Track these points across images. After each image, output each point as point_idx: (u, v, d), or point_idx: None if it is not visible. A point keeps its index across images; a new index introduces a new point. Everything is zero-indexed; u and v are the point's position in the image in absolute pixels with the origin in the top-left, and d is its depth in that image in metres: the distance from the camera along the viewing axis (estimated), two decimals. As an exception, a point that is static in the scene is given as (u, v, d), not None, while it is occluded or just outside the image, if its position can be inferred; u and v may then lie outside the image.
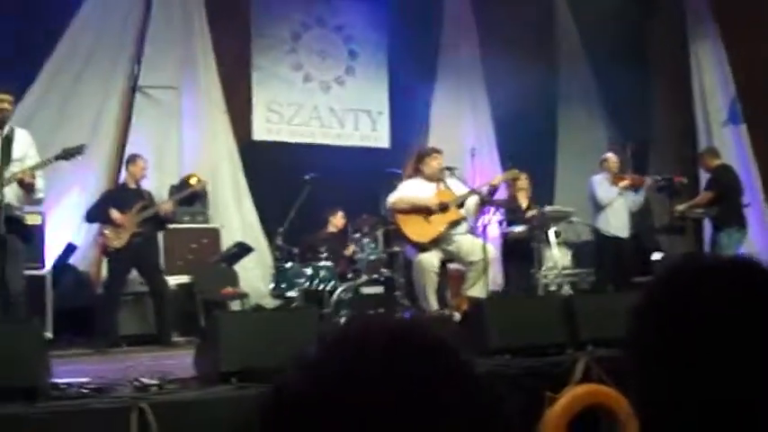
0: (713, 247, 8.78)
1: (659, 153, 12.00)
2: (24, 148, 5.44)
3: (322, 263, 8.42)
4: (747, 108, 10.65)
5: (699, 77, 11.30)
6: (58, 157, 5.42)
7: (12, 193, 5.26)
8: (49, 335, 6.71)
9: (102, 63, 9.11)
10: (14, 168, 5.21)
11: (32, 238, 6.45)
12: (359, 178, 9.55)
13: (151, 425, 3.63)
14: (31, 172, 5.26)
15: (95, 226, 7.86)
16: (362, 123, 11.12)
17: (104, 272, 8.00)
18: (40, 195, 5.47)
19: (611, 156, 9.23)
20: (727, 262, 1.19)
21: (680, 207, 8.78)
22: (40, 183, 5.39)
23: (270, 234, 9.31)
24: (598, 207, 8.96)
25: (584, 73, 12.24)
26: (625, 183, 8.96)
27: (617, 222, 8.95)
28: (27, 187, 5.31)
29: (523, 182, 8.86)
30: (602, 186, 8.96)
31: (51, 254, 8.00)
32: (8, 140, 5.18)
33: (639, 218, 9.95)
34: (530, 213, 8.77)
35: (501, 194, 8.70)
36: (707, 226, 10.43)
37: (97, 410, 3.70)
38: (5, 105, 5.34)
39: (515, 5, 11.33)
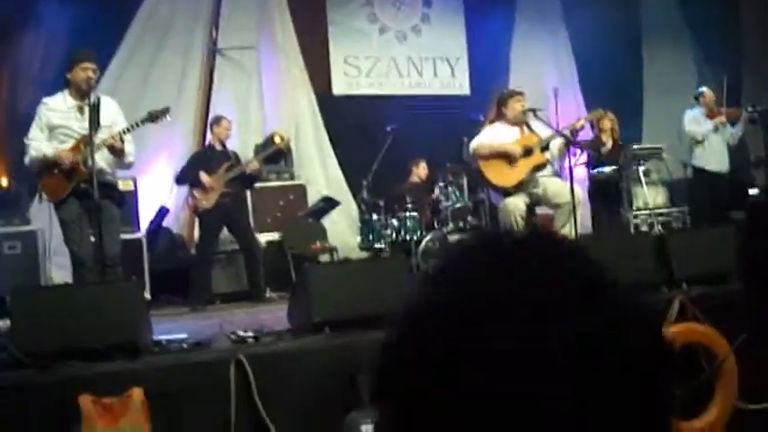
0: None
1: (752, 84, 11.52)
2: (112, 116, 5.56)
3: (408, 213, 8.42)
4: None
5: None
6: (144, 121, 5.53)
7: (103, 160, 5.41)
8: (147, 295, 6.93)
9: (181, 28, 9.25)
10: (103, 135, 5.35)
11: (126, 202, 6.64)
12: (440, 126, 9.49)
13: (249, 375, 3.72)
14: (119, 136, 5.38)
15: (185, 188, 8.03)
16: (441, 71, 11.01)
17: (196, 232, 8.21)
18: (130, 159, 5.61)
19: (706, 90, 8.91)
20: None
21: None
22: (129, 147, 5.52)
23: (355, 187, 9.37)
24: (695, 142, 8.71)
25: (671, 9, 11.80)
26: (721, 117, 8.67)
27: (714, 157, 8.70)
28: (117, 152, 5.44)
29: (608, 122, 8.65)
30: (697, 121, 8.70)
31: (145, 217, 8.25)
32: (95, 108, 5.29)
33: (736, 152, 9.61)
34: (615, 154, 8.55)
35: (587, 135, 8.53)
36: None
37: (197, 363, 3.82)
38: (91, 74, 5.46)
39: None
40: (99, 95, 5.48)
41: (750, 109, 8.53)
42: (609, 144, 8.69)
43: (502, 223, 6.87)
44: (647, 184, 8.50)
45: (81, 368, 3.64)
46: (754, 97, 11.06)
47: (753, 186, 10.76)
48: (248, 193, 8.19)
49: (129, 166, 5.78)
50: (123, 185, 6.50)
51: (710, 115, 8.74)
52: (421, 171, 9.23)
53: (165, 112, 5.55)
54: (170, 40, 9.16)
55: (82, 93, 5.43)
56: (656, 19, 11.86)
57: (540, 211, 7.33)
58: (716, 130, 8.65)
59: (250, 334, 4.25)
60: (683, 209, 9.19)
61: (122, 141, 5.40)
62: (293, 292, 4.94)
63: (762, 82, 11.49)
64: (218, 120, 7.99)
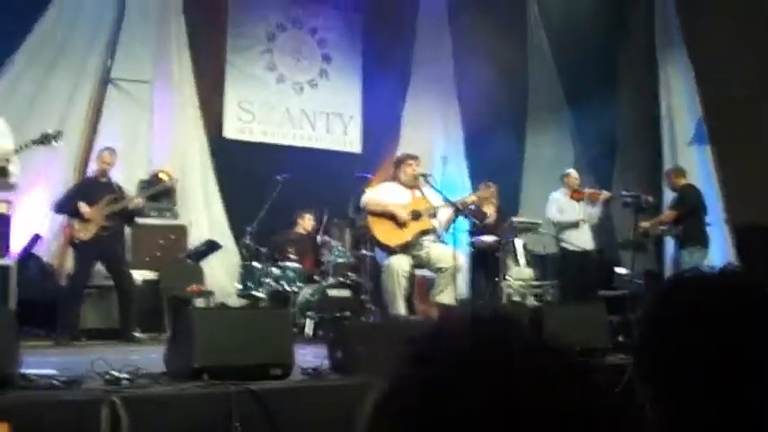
0: (675, 265, 8.97)
1: (625, 170, 12.19)
2: (1, 134, 5.37)
3: (289, 264, 8.42)
4: (713, 129, 10.85)
5: (667, 97, 11.50)
6: (36, 142, 5.38)
7: None
8: (11, 325, 6.59)
9: (75, 53, 9.03)
10: None
11: (2, 226, 6.37)
12: (329, 181, 9.56)
13: (122, 419, 3.60)
14: (6, 155, 5.19)
15: (61, 217, 7.79)
16: (334, 126, 11.14)
17: (69, 264, 7.92)
18: (14, 179, 5.41)
19: (571, 171, 9.41)
20: (729, 278, 1.28)
21: (644, 224, 8.93)
22: (15, 168, 5.33)
23: (237, 233, 9.29)
24: (560, 221, 9.18)
25: (555, 89, 12.39)
26: (583, 197, 9.15)
27: (579, 236, 9.14)
28: (2, 171, 5.24)
29: (493, 196, 8.96)
30: (558, 203, 9.17)
31: (16, 243, 7.89)
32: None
33: (602, 232, 10.09)
34: (495, 225, 8.85)
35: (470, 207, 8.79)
36: (667, 243, 10.65)
37: (68, 402, 3.67)
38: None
39: (489, 20, 11.44)
40: None
41: (624, 193, 9.03)
42: (491, 214, 8.99)
43: (384, 281, 6.96)
44: (523, 256, 8.79)
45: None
46: (625, 182, 11.75)
47: (619, 266, 11.32)
48: (128, 229, 7.99)
49: (13, 187, 5.57)
50: (-1, 208, 6.23)
51: (573, 195, 9.21)
52: (306, 223, 9.26)
53: (57, 135, 5.41)
54: (62, 63, 8.91)
55: None
56: (541, 101, 12.43)
57: (419, 273, 7.48)
58: (579, 209, 9.13)
59: (125, 375, 4.12)
60: (554, 282, 9.55)
61: (8, 161, 5.21)
62: (172, 334, 4.83)
63: (634, 168, 12.19)
64: (103, 151, 7.80)
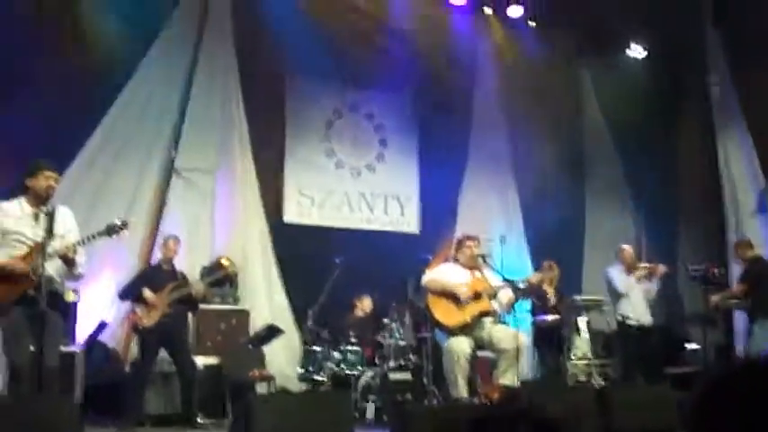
0: (748, 338, 8.71)
1: (689, 243, 12.01)
2: (67, 225, 5.54)
3: (350, 347, 8.40)
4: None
5: (727, 168, 11.39)
6: (101, 233, 5.50)
7: (53, 269, 5.34)
8: (77, 412, 6.68)
9: (141, 144, 9.33)
10: (56, 244, 5.30)
11: (70, 314, 6.52)
12: (387, 263, 9.59)
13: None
14: (73, 247, 5.34)
15: (126, 304, 7.93)
16: (392, 208, 11.23)
17: (133, 350, 8.03)
18: (80, 270, 5.54)
19: (626, 247, 9.29)
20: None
21: (715, 297, 8.75)
22: (80, 258, 5.47)
23: (299, 316, 9.34)
24: (617, 296, 9.02)
25: (613, 164, 12.36)
26: (640, 272, 9.00)
27: (637, 310, 8.97)
28: (69, 262, 5.39)
29: (554, 276, 8.88)
30: (619, 276, 9.04)
31: (82, 330, 8.06)
32: (51, 217, 5.28)
33: (669, 307, 9.88)
34: (556, 303, 8.74)
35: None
36: (737, 317, 10.38)
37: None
38: (52, 183, 5.48)
39: (544, 101, 11.55)
40: (55, 205, 5.48)
41: (691, 266, 8.87)
42: (551, 293, 8.89)
43: (445, 363, 6.89)
44: (587, 333, 8.64)
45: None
46: (689, 255, 11.57)
47: (689, 341, 11.05)
48: (190, 315, 8.10)
49: (79, 277, 5.71)
50: (68, 296, 6.39)
51: (630, 270, 9.06)
52: (365, 306, 9.27)
53: (123, 226, 5.54)
54: (128, 154, 9.20)
55: (40, 200, 5.43)
56: (599, 176, 12.38)
57: (481, 354, 7.40)
58: (637, 283, 8.97)
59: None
60: (616, 359, 9.33)
61: (75, 252, 5.36)
62: (233, 420, 4.84)
63: (698, 240, 12.00)
64: (167, 239, 7.98)
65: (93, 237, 5.50)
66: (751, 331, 8.59)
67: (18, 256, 5.30)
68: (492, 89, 11.74)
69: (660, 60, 12.09)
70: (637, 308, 8.99)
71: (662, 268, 9.12)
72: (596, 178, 12.43)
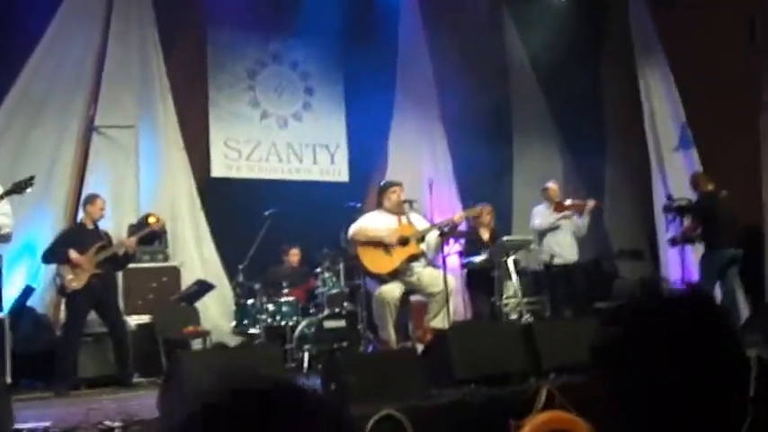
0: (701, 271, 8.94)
1: (615, 178, 12.28)
2: None
3: (284, 298, 8.41)
4: (697, 133, 10.93)
5: (649, 104, 11.57)
6: (8, 192, 5.36)
7: None
8: (8, 380, 6.59)
9: (59, 103, 9.05)
10: None
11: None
12: (319, 212, 9.56)
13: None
14: None
15: (52, 267, 7.77)
16: (321, 158, 11.17)
17: (63, 313, 7.91)
18: (6, 230, 5.42)
19: (551, 185, 9.45)
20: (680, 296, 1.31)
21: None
22: (3, 219, 5.34)
23: (231, 270, 9.29)
24: (543, 235, 9.21)
25: (538, 103, 12.47)
26: (567, 209, 9.17)
27: (563, 248, 9.16)
28: None
29: (486, 216, 8.98)
30: (541, 215, 9.22)
31: (8, 297, 7.88)
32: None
33: (597, 243, 10.12)
34: (490, 245, 8.86)
35: (462, 225, 8.81)
36: (663, 250, 10.70)
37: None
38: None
39: (466, 40, 11.55)
40: None
41: (670, 199, 9.21)
42: (486, 237, 9.00)
43: (375, 310, 6.97)
44: (515, 274, 8.79)
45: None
46: (616, 189, 11.88)
47: (617, 276, 11.36)
48: (119, 275, 7.99)
49: (5, 238, 5.56)
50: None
51: (556, 208, 9.23)
52: (292, 257, 9.25)
53: (29, 182, 5.39)
54: (46, 114, 8.93)
55: None
56: (525, 116, 12.49)
57: (413, 299, 7.49)
58: (561, 221, 9.18)
59: (117, 424, 4.12)
60: (545, 297, 9.54)
61: None
62: (165, 378, 4.83)
63: (622, 176, 12.27)
64: (91, 198, 7.81)
65: (1, 197, 5.36)
66: (702, 264, 8.83)
67: None
68: (416, 32, 11.65)
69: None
70: (563, 245, 9.19)
71: (591, 203, 9.29)
72: (522, 118, 12.54)
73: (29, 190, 5.41)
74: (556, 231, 9.23)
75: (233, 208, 9.82)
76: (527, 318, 8.39)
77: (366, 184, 10.49)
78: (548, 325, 6.73)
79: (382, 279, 6.83)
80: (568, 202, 9.30)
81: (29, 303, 8.22)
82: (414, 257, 6.89)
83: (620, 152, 12.45)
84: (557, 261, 9.12)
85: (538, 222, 9.31)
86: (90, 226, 7.62)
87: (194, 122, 10.12)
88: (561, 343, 5.32)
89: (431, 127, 11.79)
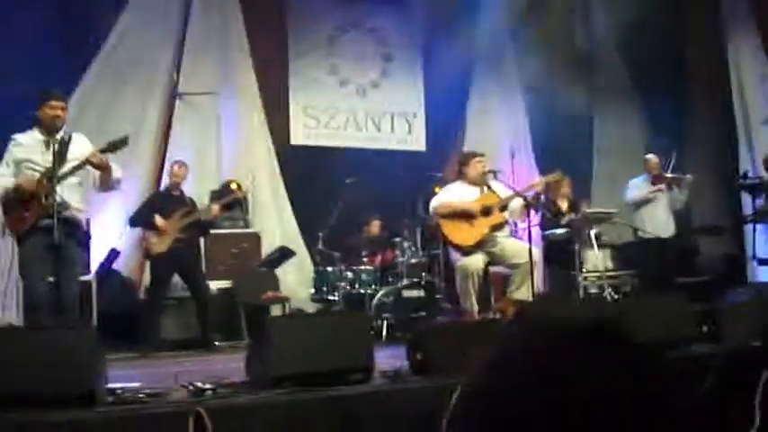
0: None
1: (699, 151, 11.91)
2: (83, 151, 5.49)
3: (362, 266, 8.42)
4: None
5: (737, 76, 11.17)
6: (103, 151, 5.44)
7: (73, 193, 5.36)
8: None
9: (142, 71, 9.19)
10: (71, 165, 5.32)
11: (88, 242, 6.52)
12: (396, 181, 9.54)
13: (208, 429, 3.63)
14: (96, 153, 5.32)
15: (137, 231, 7.93)
16: (399, 126, 11.10)
17: (147, 277, 8.08)
18: (117, 175, 5.53)
19: (651, 157, 9.22)
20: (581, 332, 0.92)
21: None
22: (114, 165, 5.48)
23: (309, 238, 9.34)
24: (635, 207, 9.02)
25: (619, 72, 12.15)
26: (665, 182, 8.96)
27: (656, 223, 8.95)
28: (102, 168, 5.37)
29: (565, 187, 8.82)
30: (638, 187, 9.00)
31: (95, 259, 8.08)
32: (65, 144, 5.30)
33: (679, 218, 9.86)
34: (569, 216, 8.70)
35: (541, 196, 8.66)
36: (747, 227, 10.35)
37: (155, 415, 3.71)
38: (58, 112, 5.44)
39: (547, 7, 11.28)
40: (71, 133, 5.47)
41: (747, 177, 8.93)
42: (565, 207, 8.85)
43: (458, 281, 6.90)
44: (597, 247, 8.62)
45: (34, 416, 3.51)
46: (701, 163, 11.51)
47: (697, 251, 11.06)
48: (201, 240, 8.10)
49: (118, 182, 5.67)
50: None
51: (654, 181, 9.02)
52: (373, 228, 9.24)
53: (124, 141, 5.46)
54: (130, 81, 9.08)
55: (50, 130, 5.40)
56: (607, 86, 12.19)
57: (493, 269, 7.41)
58: (656, 194, 8.95)
59: (208, 386, 4.16)
60: (632, 272, 9.33)
61: (100, 158, 5.34)
62: (252, 343, 4.87)
63: (706, 149, 11.89)
64: (176, 164, 7.93)
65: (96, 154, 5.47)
66: None
67: (30, 180, 5.31)
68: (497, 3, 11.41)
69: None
70: (657, 219, 8.99)
71: (690, 177, 9.09)
72: (604, 88, 12.24)
73: (122, 150, 5.49)
74: (651, 205, 9.02)
75: (312, 176, 9.85)
76: (609, 292, 8.23)
77: (444, 153, 10.40)
78: (635, 302, 6.55)
79: (466, 250, 6.76)
80: (668, 174, 9.07)
81: (114, 266, 8.41)
82: (497, 227, 6.80)
83: (705, 124, 12.06)
84: (647, 235, 8.92)
85: (633, 195, 9.09)
86: (175, 192, 7.74)
87: (274, 90, 10.16)
88: (649, 319, 5.18)
89: (510, 97, 11.61)
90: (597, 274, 8.61)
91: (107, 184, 5.55)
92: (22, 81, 7.40)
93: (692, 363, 4.31)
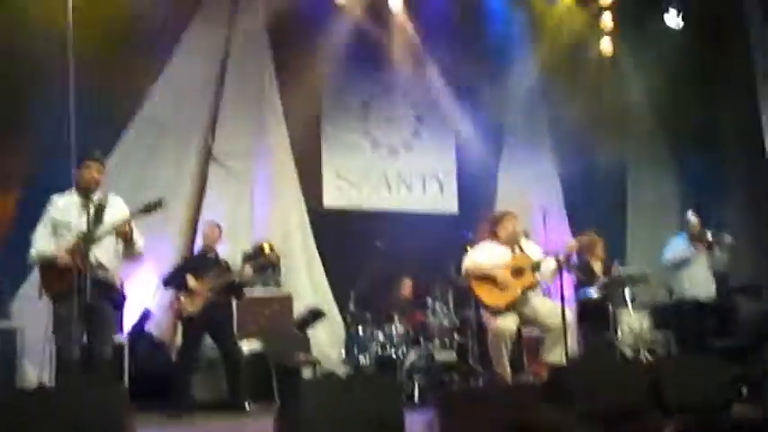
0: None
1: (736, 212, 11.78)
2: (119, 214, 5.58)
3: (394, 328, 8.37)
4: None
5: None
6: (140, 212, 5.52)
7: (105, 256, 5.42)
8: (126, 402, 6.74)
9: (177, 133, 9.33)
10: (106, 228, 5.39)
11: (122, 303, 6.57)
12: (428, 243, 9.52)
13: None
14: (125, 223, 5.40)
15: (170, 292, 7.96)
16: (431, 188, 11.13)
17: (179, 338, 8.08)
18: (139, 246, 5.59)
19: (692, 217, 9.12)
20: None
21: None
22: (137, 236, 5.54)
23: (340, 300, 9.32)
24: (677, 268, 8.90)
25: (653, 129, 12.15)
26: (705, 242, 8.86)
27: (696, 284, 8.83)
28: (127, 240, 5.44)
29: (599, 247, 8.74)
30: (679, 247, 8.90)
31: (128, 320, 8.12)
32: (101, 206, 5.40)
33: (715, 278, 9.70)
34: (603, 278, 8.59)
35: (573, 257, 8.59)
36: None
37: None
38: (94, 173, 5.55)
39: (577, 64, 11.35)
40: (108, 194, 5.57)
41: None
42: (598, 268, 8.76)
43: (490, 343, 6.83)
44: (632, 308, 8.50)
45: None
46: (738, 223, 11.36)
47: (735, 312, 10.85)
48: (234, 302, 8.11)
49: (139, 254, 5.73)
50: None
51: (695, 241, 8.92)
52: (404, 289, 9.19)
53: (159, 203, 5.54)
54: (165, 143, 9.22)
55: (86, 190, 5.49)
56: (640, 139, 12.17)
57: (525, 332, 7.32)
58: (695, 254, 8.83)
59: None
60: (667, 333, 9.17)
61: (128, 227, 5.42)
62: (282, 406, 4.84)
63: (742, 210, 11.75)
64: (209, 225, 8.00)
65: (132, 216, 5.54)
66: None
67: (65, 248, 5.37)
68: (527, 60, 11.47)
69: (698, 26, 11.77)
70: (698, 280, 8.88)
71: (728, 238, 8.98)
72: (637, 145, 12.22)
73: (157, 211, 5.57)
74: (691, 265, 8.90)
75: (343, 238, 9.88)
76: (644, 354, 8.08)
77: (476, 214, 10.36)
78: (671, 364, 6.42)
79: (498, 311, 6.70)
80: (709, 235, 8.96)
81: (147, 327, 8.45)
82: (529, 287, 6.75)
83: (739, 182, 11.95)
84: (687, 297, 8.79)
85: (674, 255, 8.98)
86: (210, 254, 7.80)
87: (307, 152, 10.26)
88: (687, 382, 5.08)
89: (540, 157, 11.62)
90: (633, 336, 8.45)
91: (129, 252, 5.63)
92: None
93: (732, 425, 4.20)
